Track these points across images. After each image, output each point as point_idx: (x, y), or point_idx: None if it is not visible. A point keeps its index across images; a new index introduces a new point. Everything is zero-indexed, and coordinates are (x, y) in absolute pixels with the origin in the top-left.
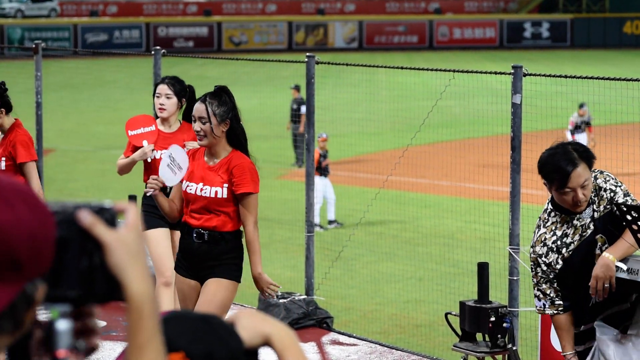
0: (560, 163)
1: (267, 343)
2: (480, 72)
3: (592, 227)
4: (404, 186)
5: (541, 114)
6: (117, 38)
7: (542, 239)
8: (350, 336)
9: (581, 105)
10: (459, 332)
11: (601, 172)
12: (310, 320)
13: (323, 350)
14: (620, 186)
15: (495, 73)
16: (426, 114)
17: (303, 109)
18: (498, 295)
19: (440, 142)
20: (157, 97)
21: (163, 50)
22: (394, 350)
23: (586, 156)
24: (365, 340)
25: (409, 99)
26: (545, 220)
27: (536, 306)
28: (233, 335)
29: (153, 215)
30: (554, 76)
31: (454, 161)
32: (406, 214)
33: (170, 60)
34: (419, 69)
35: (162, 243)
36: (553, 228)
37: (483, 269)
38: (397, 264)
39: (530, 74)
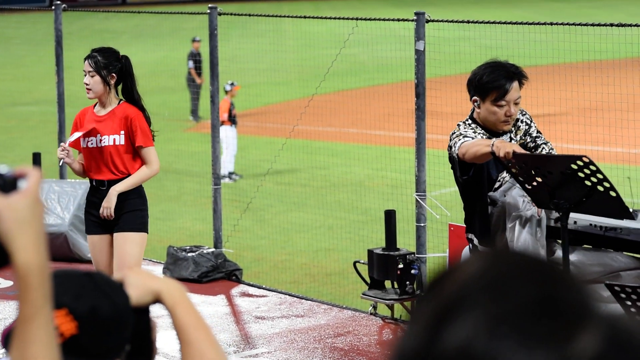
0: (500, 75)
1: (157, 300)
2: (383, 20)
3: None
4: (312, 135)
5: (446, 60)
6: None
7: (465, 131)
8: (259, 287)
9: None
10: (368, 280)
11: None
12: (219, 273)
13: (232, 303)
14: (533, 123)
15: (398, 20)
16: (331, 63)
17: (190, 63)
18: (406, 241)
19: (347, 90)
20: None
21: (64, 5)
22: (303, 300)
23: (520, 75)
24: (274, 292)
25: (315, 47)
26: (470, 127)
27: (451, 147)
28: (119, 292)
29: (92, 220)
30: (457, 22)
31: (361, 109)
32: (315, 162)
33: (73, 15)
34: (322, 17)
35: (98, 249)
36: (478, 131)
37: (390, 217)
38: (307, 213)
39: (433, 20)
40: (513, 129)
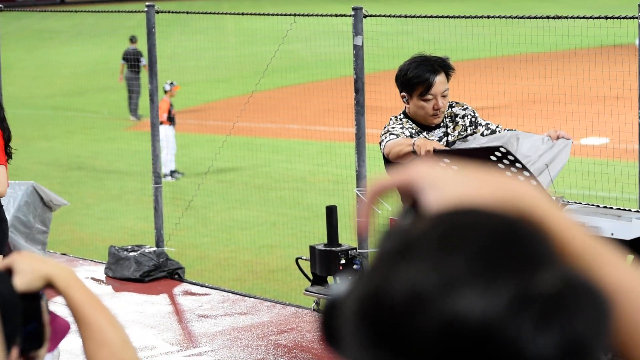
0: (424, 70)
1: (49, 284)
2: (321, 15)
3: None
4: (254, 132)
5: (386, 55)
6: None
7: (392, 128)
8: (202, 286)
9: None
10: (311, 277)
11: (457, 102)
12: (161, 272)
13: (175, 302)
14: (476, 113)
15: (336, 15)
16: (270, 59)
17: (123, 61)
18: (349, 237)
19: (288, 87)
20: None
21: (0, 5)
22: (246, 297)
23: (445, 67)
24: (217, 289)
25: (255, 44)
26: (399, 122)
27: (381, 142)
28: (2, 279)
29: None
30: (394, 16)
31: (301, 105)
32: (257, 159)
33: (11, 15)
34: (260, 14)
35: None
36: (407, 126)
37: (332, 213)
38: (250, 210)
39: (371, 15)
40: (451, 124)
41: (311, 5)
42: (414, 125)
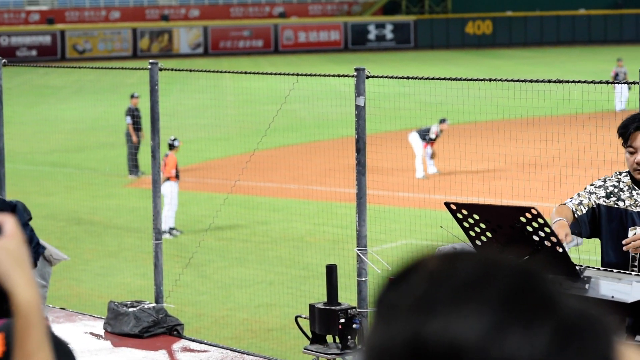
0: (628, 121)
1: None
2: (324, 75)
3: None
4: (253, 191)
5: (386, 116)
6: None
7: (604, 180)
8: (201, 342)
9: (443, 120)
10: (310, 335)
11: None
12: (160, 328)
13: (174, 358)
14: None
15: (339, 76)
16: (272, 118)
17: (128, 119)
18: (348, 296)
19: (288, 146)
20: None
21: (4, 60)
22: (245, 355)
23: None
24: (216, 346)
25: (255, 103)
26: (615, 177)
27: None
28: None
29: None
30: (396, 77)
31: (301, 164)
32: (255, 218)
33: (13, 70)
34: (262, 73)
35: None
36: (614, 183)
37: (331, 271)
38: (248, 268)
39: (373, 76)
40: None
41: (308, 66)
42: (628, 181)
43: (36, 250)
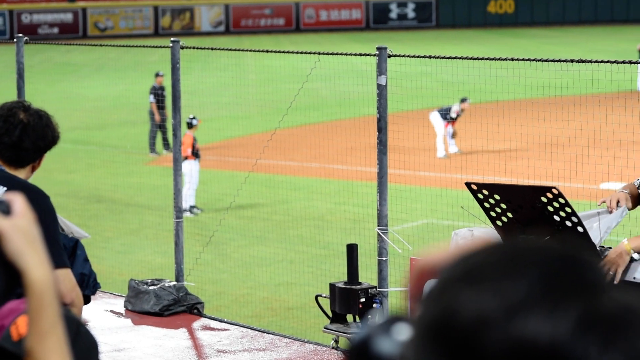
0: None
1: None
2: (345, 54)
3: None
4: (274, 169)
5: (407, 95)
6: None
7: None
8: (221, 321)
9: (464, 100)
10: (330, 314)
11: None
12: (180, 307)
13: (194, 336)
14: None
15: (360, 55)
16: (293, 97)
17: (151, 97)
18: (368, 276)
19: (309, 125)
20: None
21: (25, 38)
22: (265, 334)
23: None
24: (236, 325)
25: (276, 82)
26: None
27: None
28: None
29: None
30: (417, 57)
31: (322, 143)
32: (276, 196)
33: (34, 48)
34: (284, 52)
35: None
36: None
37: (352, 251)
38: (268, 247)
39: (395, 55)
40: None
41: (329, 45)
42: None
43: (94, 285)
